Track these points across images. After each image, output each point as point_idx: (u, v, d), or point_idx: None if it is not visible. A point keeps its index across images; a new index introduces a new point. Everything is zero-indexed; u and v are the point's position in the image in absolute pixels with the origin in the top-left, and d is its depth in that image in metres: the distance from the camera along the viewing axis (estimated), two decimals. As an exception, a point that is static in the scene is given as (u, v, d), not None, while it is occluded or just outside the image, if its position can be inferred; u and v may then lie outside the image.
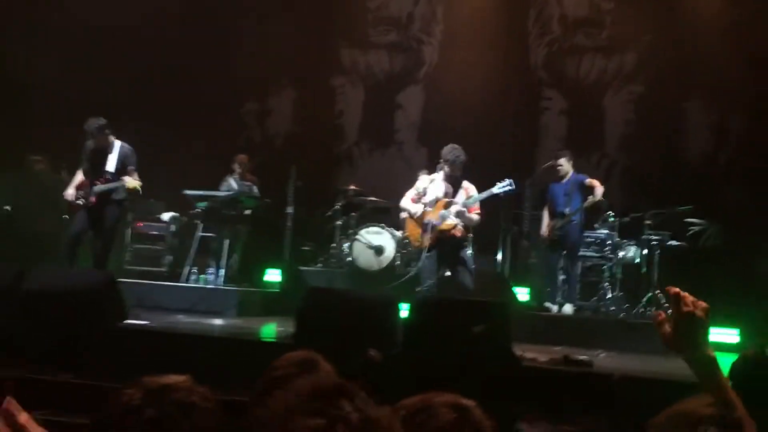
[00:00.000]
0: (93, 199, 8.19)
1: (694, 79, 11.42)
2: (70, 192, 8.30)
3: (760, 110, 10.90)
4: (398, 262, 9.99)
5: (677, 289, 2.00)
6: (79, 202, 8.21)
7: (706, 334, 1.97)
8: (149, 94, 11.85)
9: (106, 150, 8.27)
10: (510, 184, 8.10)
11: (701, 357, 1.94)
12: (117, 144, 8.34)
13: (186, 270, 9.72)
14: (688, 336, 1.96)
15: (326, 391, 1.47)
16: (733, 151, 11.30)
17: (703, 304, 1.99)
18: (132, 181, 8.13)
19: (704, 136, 11.54)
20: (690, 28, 11.21)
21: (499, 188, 8.10)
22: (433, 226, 7.93)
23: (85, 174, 8.35)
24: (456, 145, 7.99)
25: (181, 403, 1.68)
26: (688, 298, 2.00)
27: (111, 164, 8.23)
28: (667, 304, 9.02)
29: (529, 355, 6.16)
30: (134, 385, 1.71)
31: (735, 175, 11.02)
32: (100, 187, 8.20)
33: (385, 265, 9.95)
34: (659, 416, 1.83)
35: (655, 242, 9.52)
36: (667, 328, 1.99)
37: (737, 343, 7.85)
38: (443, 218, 7.94)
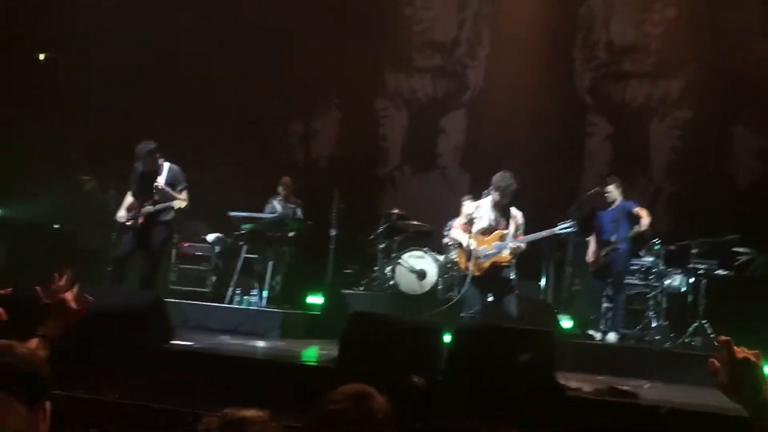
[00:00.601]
0: (141, 220, 8.32)
1: (742, 104, 11.28)
2: (122, 214, 8.47)
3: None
4: (441, 287, 9.97)
5: (727, 338, 1.99)
6: (129, 223, 8.36)
7: (763, 379, 1.95)
8: (196, 116, 12.02)
9: (155, 172, 8.40)
10: (572, 226, 8.06)
11: (761, 404, 1.92)
12: (166, 166, 8.47)
13: (230, 291, 9.81)
14: (746, 383, 1.93)
15: None
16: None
17: (755, 351, 1.97)
18: (179, 202, 8.25)
19: (752, 162, 11.37)
20: (736, 53, 11.08)
21: (560, 229, 8.06)
22: (486, 256, 7.89)
23: (134, 196, 8.50)
24: (508, 173, 7.94)
25: None
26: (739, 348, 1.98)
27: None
28: (713, 334, 8.89)
29: (573, 384, 6.09)
30: (213, 415, 1.76)
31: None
32: (148, 208, 8.33)
33: (427, 289, 9.95)
34: None
35: (701, 271, 9.38)
36: (723, 376, 1.96)
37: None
38: (500, 249, 7.90)
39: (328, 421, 2.20)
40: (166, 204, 8.29)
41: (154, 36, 11.67)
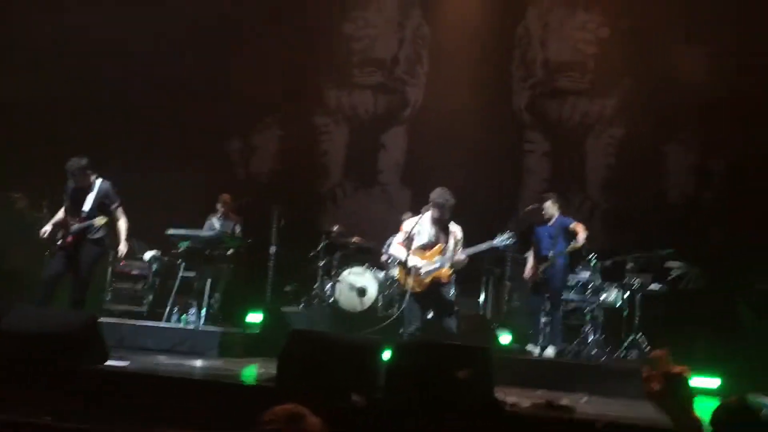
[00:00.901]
0: (70, 239, 8.13)
1: (675, 122, 11.58)
2: (46, 229, 8.28)
3: (740, 153, 11.04)
4: (381, 304, 9.98)
5: (663, 351, 2.02)
6: (59, 242, 8.17)
7: (692, 396, 1.99)
8: (133, 132, 11.86)
9: (86, 189, 8.22)
10: (510, 237, 8.11)
11: (688, 422, 1.96)
12: (97, 183, 8.28)
13: (167, 310, 9.65)
14: (677, 396, 1.97)
15: None
16: (714, 194, 11.42)
17: (684, 367, 2.01)
18: (99, 219, 8.09)
19: (685, 178, 11.67)
20: (670, 72, 11.37)
21: (500, 241, 8.11)
22: (427, 272, 7.91)
23: (66, 213, 8.31)
24: (445, 189, 7.97)
25: None
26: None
27: (88, 204, 8.17)
28: (647, 347, 9.06)
29: (510, 399, 6.12)
30: None
31: (716, 218, 11.11)
32: (75, 227, 8.15)
33: (367, 306, 9.95)
34: None
35: (636, 285, 9.56)
36: (655, 385, 1.99)
37: (717, 388, 7.85)
38: (441, 264, 7.92)
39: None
40: (89, 222, 8.12)
41: (88, 49, 11.49)
